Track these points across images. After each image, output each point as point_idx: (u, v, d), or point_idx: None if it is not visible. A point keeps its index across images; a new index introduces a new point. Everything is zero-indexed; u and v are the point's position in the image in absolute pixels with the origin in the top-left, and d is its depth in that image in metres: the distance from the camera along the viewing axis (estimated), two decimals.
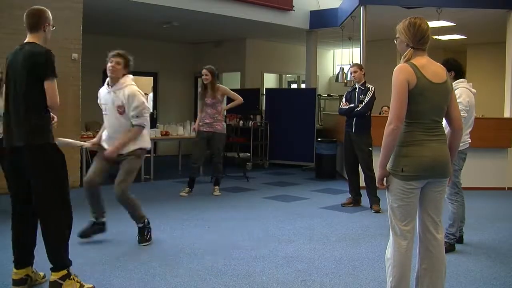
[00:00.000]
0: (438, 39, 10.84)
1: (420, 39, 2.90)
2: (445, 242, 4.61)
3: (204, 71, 7.24)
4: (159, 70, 13.15)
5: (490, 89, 11.73)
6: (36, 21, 3.39)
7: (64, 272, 3.39)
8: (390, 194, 2.96)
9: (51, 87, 3.26)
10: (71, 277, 3.41)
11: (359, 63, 7.04)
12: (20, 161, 3.36)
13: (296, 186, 8.46)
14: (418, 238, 3.02)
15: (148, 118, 4.76)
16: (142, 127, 4.65)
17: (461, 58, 12.95)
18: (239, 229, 5.40)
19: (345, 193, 7.76)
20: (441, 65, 3.00)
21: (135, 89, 4.60)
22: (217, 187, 7.55)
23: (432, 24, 9.68)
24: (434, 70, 2.91)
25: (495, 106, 9.73)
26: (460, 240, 4.83)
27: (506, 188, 8.18)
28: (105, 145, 4.79)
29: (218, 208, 6.52)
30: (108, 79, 4.69)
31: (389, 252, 2.97)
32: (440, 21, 9.12)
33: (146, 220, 4.81)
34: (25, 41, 3.42)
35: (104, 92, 4.76)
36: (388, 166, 2.93)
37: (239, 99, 7.48)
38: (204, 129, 7.23)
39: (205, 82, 7.22)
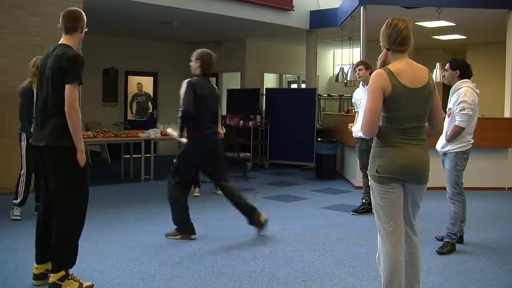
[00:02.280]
0: (438, 39, 10.84)
1: (395, 40, 2.81)
2: (447, 241, 4.63)
3: None
4: (159, 70, 13.15)
5: (490, 89, 11.70)
6: (74, 23, 3.46)
7: (62, 273, 3.41)
8: (372, 195, 2.94)
9: (70, 91, 3.28)
10: (69, 277, 3.44)
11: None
12: (42, 160, 3.47)
13: (296, 186, 8.46)
14: None
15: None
16: None
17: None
18: (239, 229, 5.40)
19: (345, 193, 7.77)
20: (423, 68, 2.90)
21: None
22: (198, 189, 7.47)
23: (432, 24, 9.75)
24: (413, 74, 2.82)
25: (495, 106, 9.73)
26: (460, 240, 4.83)
27: (506, 188, 8.18)
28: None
29: (218, 208, 6.52)
30: None
31: (378, 254, 2.95)
32: (440, 21, 9.12)
33: None
34: (59, 42, 3.47)
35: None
36: (368, 167, 2.93)
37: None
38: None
39: None
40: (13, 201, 5.59)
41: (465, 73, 4.78)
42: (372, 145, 2.94)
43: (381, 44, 2.94)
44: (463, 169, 4.67)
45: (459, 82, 4.70)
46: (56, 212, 3.43)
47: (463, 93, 4.57)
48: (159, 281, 3.75)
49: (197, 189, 7.38)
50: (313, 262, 4.29)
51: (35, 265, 3.54)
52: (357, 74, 6.24)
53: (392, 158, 2.81)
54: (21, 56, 6.95)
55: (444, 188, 4.75)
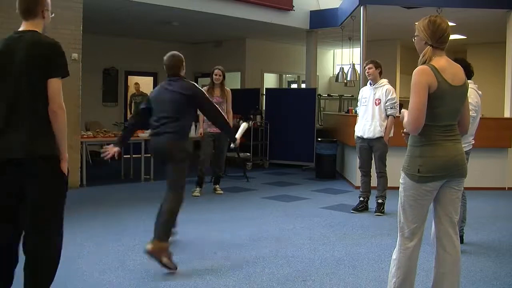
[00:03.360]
0: None
1: (439, 38, 2.83)
2: None
3: (218, 71, 7.29)
4: (159, 70, 13.13)
5: (490, 89, 11.69)
6: (32, 5, 2.84)
7: None
8: (404, 194, 2.91)
9: (57, 86, 2.69)
10: None
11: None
12: (12, 176, 2.74)
13: (296, 186, 8.46)
14: (435, 241, 2.96)
15: None
16: None
17: None
18: (239, 229, 5.40)
19: (345, 193, 7.77)
20: (459, 66, 2.93)
21: None
22: (217, 185, 7.59)
23: None
24: (454, 72, 2.85)
25: (495, 106, 9.72)
26: (460, 240, 4.83)
27: (506, 188, 8.18)
28: None
29: (218, 208, 6.52)
30: None
31: (395, 253, 2.95)
32: None
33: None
34: (20, 29, 2.84)
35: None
36: (404, 166, 2.90)
37: (231, 115, 7.46)
38: (210, 130, 7.23)
39: (216, 82, 7.27)
40: None
41: (467, 74, 4.78)
42: (409, 143, 2.91)
43: (414, 39, 2.92)
44: None
45: None
46: (42, 233, 2.75)
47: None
48: (159, 281, 3.75)
49: (198, 189, 7.37)
50: (313, 262, 4.29)
51: None
52: (367, 72, 6.24)
53: (435, 157, 2.81)
54: None
55: None
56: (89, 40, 8.35)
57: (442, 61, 2.84)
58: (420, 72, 2.78)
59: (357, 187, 7.25)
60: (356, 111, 6.61)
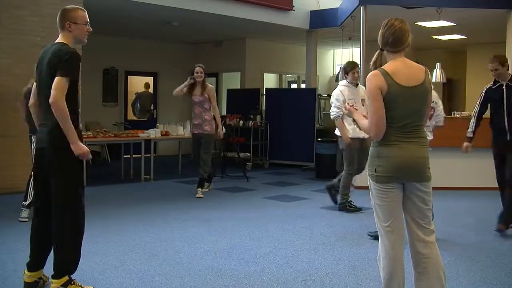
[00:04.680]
0: (438, 39, 10.84)
1: (388, 40, 2.82)
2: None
3: (198, 68, 7.19)
4: (159, 70, 13.15)
5: None
6: (60, 20, 3.38)
7: (66, 278, 3.30)
8: (371, 194, 2.93)
9: (57, 83, 3.14)
10: (72, 282, 3.33)
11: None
12: (41, 161, 3.36)
13: (296, 186, 8.46)
14: (408, 242, 2.95)
15: None
16: None
17: (461, 58, 13.01)
18: (239, 229, 5.40)
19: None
20: (420, 66, 2.90)
21: None
22: (200, 189, 7.26)
23: (432, 24, 9.74)
24: (409, 73, 2.82)
25: None
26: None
27: None
28: None
29: (218, 208, 6.52)
30: None
31: (379, 253, 2.95)
32: (440, 21, 9.11)
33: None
34: (56, 41, 3.40)
35: None
36: (367, 167, 2.93)
37: (217, 113, 7.38)
38: (195, 131, 7.21)
39: (198, 80, 7.15)
40: (23, 202, 5.46)
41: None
42: (371, 145, 2.94)
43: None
44: None
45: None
46: (57, 214, 3.31)
47: None
48: (159, 281, 3.75)
49: (200, 189, 7.27)
50: (313, 262, 4.29)
51: (27, 273, 3.38)
52: (356, 76, 6.26)
53: (390, 157, 2.81)
54: (21, 56, 6.96)
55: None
56: (89, 40, 8.35)
57: (394, 64, 2.83)
58: (370, 78, 2.81)
59: (357, 187, 7.25)
60: (336, 113, 6.57)
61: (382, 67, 2.84)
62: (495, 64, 5.16)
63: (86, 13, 3.50)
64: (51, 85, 3.16)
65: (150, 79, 13.26)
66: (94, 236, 4.88)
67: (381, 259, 2.90)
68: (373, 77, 2.80)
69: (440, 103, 5.21)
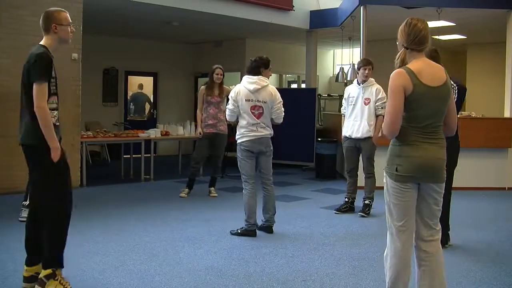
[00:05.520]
0: (438, 39, 10.84)
1: (414, 39, 2.83)
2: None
3: (219, 70, 7.21)
4: (159, 70, 13.15)
5: (490, 89, 11.73)
6: (44, 22, 3.47)
7: (49, 271, 3.36)
8: (387, 193, 2.93)
9: (35, 90, 3.27)
10: (57, 277, 3.37)
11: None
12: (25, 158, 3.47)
13: (296, 186, 8.46)
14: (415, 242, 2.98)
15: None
16: None
17: (461, 58, 13.02)
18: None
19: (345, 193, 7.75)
20: (441, 66, 2.92)
21: None
22: (213, 188, 7.42)
23: (432, 24, 9.71)
24: (432, 72, 2.84)
25: (495, 106, 9.73)
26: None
27: (506, 188, 8.17)
28: None
29: (218, 208, 6.52)
30: None
31: (386, 252, 2.96)
32: (440, 21, 9.11)
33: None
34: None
35: None
36: (385, 165, 2.92)
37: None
38: (207, 130, 7.15)
39: (217, 81, 7.16)
40: (23, 202, 5.44)
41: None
42: (390, 143, 2.93)
43: (397, 42, 2.94)
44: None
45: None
46: (39, 210, 3.42)
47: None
48: (159, 281, 3.75)
49: (186, 190, 7.31)
50: (313, 262, 4.29)
51: (25, 267, 3.47)
52: (366, 74, 6.05)
53: (411, 157, 2.81)
54: (21, 56, 6.87)
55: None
56: (89, 40, 8.35)
57: (418, 63, 2.84)
58: (395, 76, 2.80)
59: (357, 187, 7.24)
60: (341, 110, 6.49)
61: (407, 65, 2.83)
62: None
63: (68, 14, 3.60)
64: (25, 87, 3.33)
65: (150, 79, 13.25)
66: (94, 236, 4.88)
67: (389, 258, 2.91)
68: (398, 76, 2.79)
69: None
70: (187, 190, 7.31)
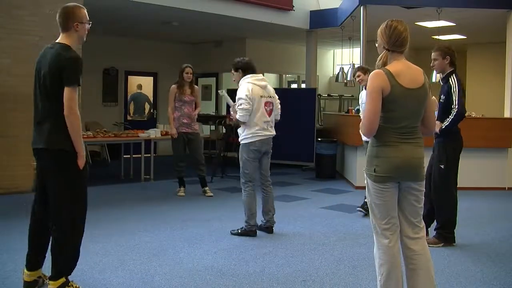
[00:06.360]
0: (438, 39, 10.84)
1: (395, 41, 2.87)
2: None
3: (189, 69, 7.27)
4: (159, 70, 13.15)
5: (490, 89, 11.73)
6: (66, 21, 3.26)
7: (63, 280, 3.29)
8: (368, 193, 2.98)
9: (69, 95, 3.13)
10: (69, 283, 3.32)
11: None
12: (39, 163, 3.34)
13: (296, 186, 8.46)
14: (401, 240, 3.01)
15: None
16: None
17: (461, 58, 13.01)
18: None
19: (345, 193, 7.77)
20: (419, 69, 2.94)
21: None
22: (206, 188, 7.35)
23: (432, 24, 9.75)
24: (411, 74, 2.87)
25: (495, 106, 9.73)
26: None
27: (506, 188, 8.18)
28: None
29: (218, 208, 6.52)
30: None
31: (375, 251, 3.00)
32: (440, 21, 9.12)
33: None
34: (56, 41, 3.30)
35: None
36: (365, 166, 2.96)
37: (199, 107, 7.59)
38: (182, 130, 7.19)
39: (188, 80, 7.22)
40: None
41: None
42: (369, 144, 2.97)
43: (377, 44, 2.98)
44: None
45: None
46: (57, 218, 3.29)
47: None
48: (159, 281, 3.75)
49: (182, 188, 7.33)
50: (313, 262, 4.29)
51: (26, 272, 3.38)
52: (358, 81, 6.22)
53: (389, 158, 2.85)
54: (21, 56, 6.95)
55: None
56: (89, 40, 8.34)
57: (398, 65, 2.87)
58: (373, 77, 2.84)
59: (357, 187, 7.26)
60: (356, 112, 6.56)
61: (386, 67, 2.87)
62: None
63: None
64: (54, 90, 3.14)
65: (150, 79, 13.26)
66: (94, 236, 4.88)
67: (378, 256, 2.97)
68: (376, 77, 2.83)
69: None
70: (182, 188, 7.36)
